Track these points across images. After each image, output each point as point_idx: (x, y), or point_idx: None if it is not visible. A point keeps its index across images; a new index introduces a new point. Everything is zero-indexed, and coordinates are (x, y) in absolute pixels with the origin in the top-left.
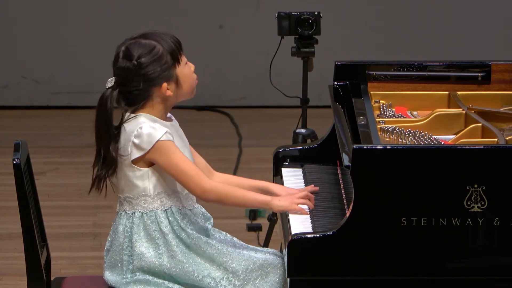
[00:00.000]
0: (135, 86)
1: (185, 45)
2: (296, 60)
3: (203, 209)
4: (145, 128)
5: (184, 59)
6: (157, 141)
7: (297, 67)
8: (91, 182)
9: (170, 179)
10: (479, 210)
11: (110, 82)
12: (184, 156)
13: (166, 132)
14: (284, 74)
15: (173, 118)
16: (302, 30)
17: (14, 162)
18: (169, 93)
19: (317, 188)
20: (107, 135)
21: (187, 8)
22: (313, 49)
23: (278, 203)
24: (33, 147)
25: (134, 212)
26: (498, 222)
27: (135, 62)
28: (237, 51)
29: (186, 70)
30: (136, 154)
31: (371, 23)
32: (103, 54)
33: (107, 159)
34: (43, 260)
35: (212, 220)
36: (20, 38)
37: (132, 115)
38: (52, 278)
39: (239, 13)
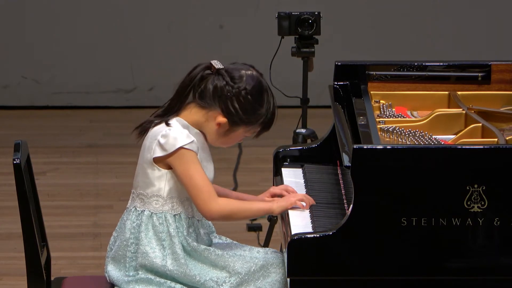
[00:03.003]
0: (217, 90)
1: (185, 45)
2: (296, 60)
3: (209, 222)
4: (173, 131)
5: (252, 133)
6: (181, 147)
7: (297, 67)
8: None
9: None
10: (479, 210)
11: (217, 64)
12: (202, 171)
13: (192, 141)
14: (284, 74)
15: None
16: (302, 30)
17: (14, 162)
18: (217, 127)
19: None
20: (182, 97)
21: (187, 8)
22: (313, 49)
23: (278, 204)
24: (33, 147)
25: (144, 210)
26: (498, 222)
27: (242, 87)
28: (237, 51)
29: (241, 136)
30: (158, 153)
31: (371, 23)
32: (103, 55)
33: (164, 112)
34: (43, 260)
35: (215, 234)
36: (20, 38)
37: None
38: (52, 278)
39: (239, 13)
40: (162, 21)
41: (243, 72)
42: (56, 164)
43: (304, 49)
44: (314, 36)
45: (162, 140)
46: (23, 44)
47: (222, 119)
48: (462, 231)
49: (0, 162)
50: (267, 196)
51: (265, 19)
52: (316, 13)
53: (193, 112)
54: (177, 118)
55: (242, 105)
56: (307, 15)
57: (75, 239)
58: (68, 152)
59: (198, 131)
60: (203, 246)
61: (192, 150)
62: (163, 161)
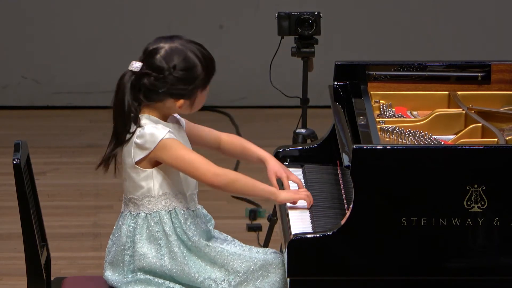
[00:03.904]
0: (155, 86)
1: None
2: (296, 60)
3: (204, 210)
4: (148, 129)
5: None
6: (161, 140)
7: (297, 67)
8: (100, 160)
9: (175, 180)
10: (479, 210)
11: (136, 67)
12: (188, 148)
13: (168, 131)
14: (284, 74)
15: (178, 118)
16: (302, 30)
17: (14, 162)
18: (181, 109)
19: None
20: (124, 116)
21: (187, 8)
22: (313, 49)
23: (285, 194)
24: (33, 147)
25: (139, 213)
26: (498, 222)
27: (171, 70)
28: (237, 51)
29: (204, 95)
30: (139, 154)
31: (371, 23)
32: (103, 55)
33: (119, 138)
34: (43, 260)
35: (213, 221)
36: (20, 38)
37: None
38: (52, 278)
39: (239, 13)
40: (162, 21)
41: (158, 57)
42: (56, 164)
43: (304, 49)
44: (314, 36)
45: (139, 141)
46: (23, 44)
47: (179, 102)
48: (462, 231)
49: (0, 162)
50: (277, 171)
51: (265, 19)
52: (316, 13)
53: (152, 110)
54: (146, 115)
55: (183, 82)
56: (307, 15)
57: (75, 239)
58: (68, 152)
59: (170, 123)
60: (204, 242)
61: (171, 138)
62: (145, 160)
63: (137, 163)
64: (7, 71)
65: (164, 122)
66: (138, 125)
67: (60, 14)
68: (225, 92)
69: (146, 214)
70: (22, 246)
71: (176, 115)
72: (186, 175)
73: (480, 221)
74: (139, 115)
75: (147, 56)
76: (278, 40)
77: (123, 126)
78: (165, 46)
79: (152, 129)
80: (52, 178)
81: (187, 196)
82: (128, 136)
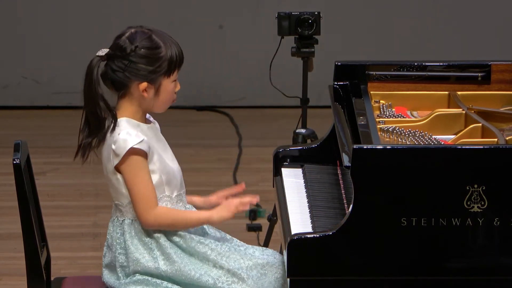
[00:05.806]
0: (119, 67)
1: (185, 45)
2: (296, 60)
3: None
4: (122, 134)
5: (175, 76)
6: (130, 147)
7: (297, 67)
8: (76, 149)
9: (156, 185)
10: (479, 210)
11: (102, 51)
12: (147, 178)
13: (142, 140)
14: (284, 74)
15: (153, 120)
16: (302, 30)
17: (14, 162)
18: (145, 94)
19: (243, 185)
20: (93, 100)
21: (187, 8)
22: (313, 49)
23: (218, 214)
24: (33, 147)
25: (124, 219)
26: (498, 222)
27: (133, 48)
28: (237, 51)
29: (171, 86)
30: (116, 160)
31: (371, 23)
32: None
33: (92, 126)
34: (43, 260)
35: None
36: (20, 38)
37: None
38: (52, 278)
39: (239, 13)
40: (162, 21)
41: (123, 38)
42: (56, 164)
43: (304, 49)
44: (314, 36)
45: (114, 147)
46: (23, 44)
47: (142, 85)
48: (462, 231)
49: (0, 162)
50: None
51: (265, 19)
52: (316, 13)
53: (127, 106)
54: (125, 119)
55: (144, 61)
56: (307, 15)
57: (75, 239)
58: (68, 152)
59: (149, 124)
60: (197, 238)
61: (142, 150)
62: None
63: (116, 169)
64: (7, 71)
65: (144, 125)
66: (115, 126)
67: (60, 14)
68: (225, 92)
69: (132, 220)
70: (22, 246)
71: (151, 118)
72: (168, 179)
73: (480, 221)
74: (119, 119)
75: (114, 40)
76: (278, 40)
77: (94, 112)
78: (131, 31)
79: (125, 135)
80: (52, 178)
81: (173, 197)
82: (103, 130)
